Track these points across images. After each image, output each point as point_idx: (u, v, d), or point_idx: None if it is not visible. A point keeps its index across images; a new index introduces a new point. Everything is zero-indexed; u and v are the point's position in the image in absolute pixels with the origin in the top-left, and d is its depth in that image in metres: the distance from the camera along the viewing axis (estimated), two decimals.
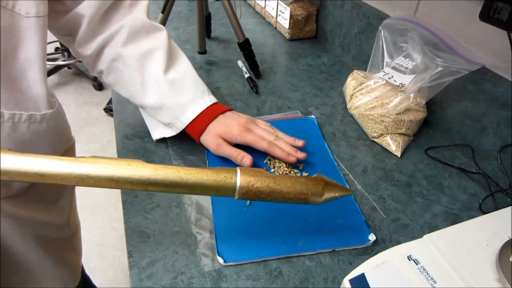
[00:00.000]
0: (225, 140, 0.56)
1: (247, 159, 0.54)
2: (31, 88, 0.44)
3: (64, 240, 0.66)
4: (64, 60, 2.55)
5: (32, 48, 0.43)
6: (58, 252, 0.63)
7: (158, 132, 0.61)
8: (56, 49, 2.63)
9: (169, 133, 0.60)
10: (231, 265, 0.44)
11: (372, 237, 0.47)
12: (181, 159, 0.59)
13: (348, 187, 0.55)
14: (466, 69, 0.54)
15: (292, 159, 0.55)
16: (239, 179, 0.38)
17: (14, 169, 0.34)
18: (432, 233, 0.41)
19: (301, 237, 0.47)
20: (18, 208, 0.51)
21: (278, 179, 0.40)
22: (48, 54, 2.44)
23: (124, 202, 0.52)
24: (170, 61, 0.57)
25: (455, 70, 0.54)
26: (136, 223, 0.49)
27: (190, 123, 0.57)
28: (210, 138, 0.56)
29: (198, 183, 0.38)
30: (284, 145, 0.56)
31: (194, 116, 0.56)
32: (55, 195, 0.59)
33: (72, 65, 2.62)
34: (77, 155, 0.68)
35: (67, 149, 0.60)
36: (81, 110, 2.36)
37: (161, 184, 0.37)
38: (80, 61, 2.58)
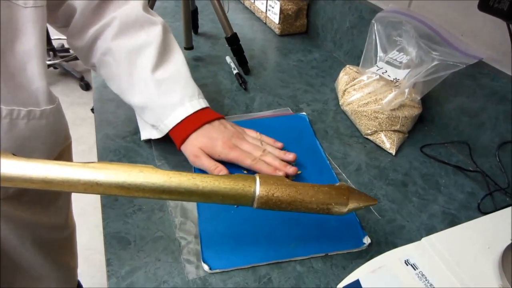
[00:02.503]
0: (207, 154, 0.52)
1: (221, 172, 0.50)
2: (31, 82, 0.42)
3: (62, 241, 0.66)
4: (50, 60, 2.48)
5: (31, 40, 0.41)
6: (57, 254, 0.62)
7: (145, 132, 0.58)
8: None
9: (155, 135, 0.56)
10: (217, 272, 0.41)
11: (367, 240, 0.45)
12: (165, 159, 0.56)
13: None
14: (463, 63, 0.51)
15: (280, 174, 0.51)
16: (259, 187, 0.36)
17: (19, 176, 0.33)
18: (431, 236, 0.39)
19: (292, 241, 0.44)
20: (16, 209, 0.49)
21: (300, 187, 0.38)
22: None
23: (103, 206, 0.49)
24: (161, 58, 0.54)
25: (451, 64, 0.52)
26: (115, 228, 0.46)
27: (174, 127, 0.53)
28: (190, 148, 0.52)
29: (214, 191, 0.36)
30: (271, 160, 0.52)
31: (178, 121, 0.52)
32: (53, 195, 0.57)
33: (58, 65, 2.56)
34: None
35: (64, 148, 0.58)
36: (68, 111, 2.30)
37: (175, 192, 0.35)
38: (66, 61, 2.53)
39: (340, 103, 0.68)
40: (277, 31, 0.97)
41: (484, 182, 0.53)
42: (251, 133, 0.57)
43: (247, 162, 0.51)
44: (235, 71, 0.78)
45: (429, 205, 0.51)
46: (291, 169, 0.51)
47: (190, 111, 0.53)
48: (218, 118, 0.55)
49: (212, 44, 0.92)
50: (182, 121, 0.52)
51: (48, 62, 2.47)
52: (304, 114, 0.66)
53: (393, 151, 0.59)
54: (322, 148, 0.59)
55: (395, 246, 0.45)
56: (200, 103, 0.54)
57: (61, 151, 0.58)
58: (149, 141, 0.59)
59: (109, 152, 0.57)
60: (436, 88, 0.58)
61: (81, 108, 2.38)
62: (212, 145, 0.52)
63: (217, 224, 0.46)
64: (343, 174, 0.55)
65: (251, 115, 0.66)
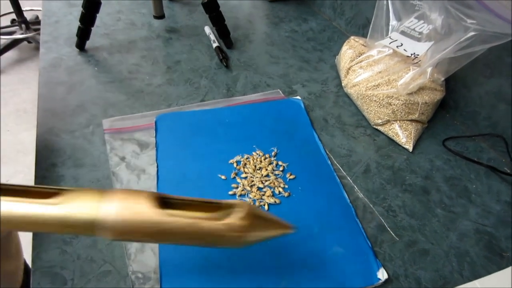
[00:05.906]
0: None
1: None
2: None
3: None
4: (22, 33, 2.28)
5: None
6: None
7: None
8: (13, 21, 2.33)
9: None
10: None
11: (382, 275, 0.34)
12: (122, 160, 0.43)
13: (346, 196, 0.41)
14: (508, 34, 0.39)
15: None
16: (108, 211, 0.24)
17: None
18: (475, 281, 0.28)
19: (282, 278, 0.33)
20: None
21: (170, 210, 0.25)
22: (4, 27, 2.17)
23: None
24: None
25: (492, 35, 0.40)
26: (49, 260, 0.35)
27: None
28: None
29: (23, 221, 0.23)
30: None
31: None
32: None
33: (32, 39, 2.35)
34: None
35: None
36: None
37: None
38: (39, 34, 2.32)
39: (343, 84, 0.56)
40: None
41: None
42: None
43: None
44: (215, 45, 0.64)
45: (458, 220, 0.40)
46: None
47: None
48: None
49: (189, 12, 0.77)
50: None
51: (21, 36, 2.27)
52: (298, 99, 0.53)
53: (409, 147, 0.47)
54: (320, 142, 0.47)
55: (418, 281, 0.34)
56: None
57: None
58: (101, 136, 0.46)
59: (51, 152, 0.45)
60: (465, 66, 0.46)
61: None
62: None
63: (184, 253, 0.35)
64: (348, 178, 0.43)
65: (233, 100, 0.53)
